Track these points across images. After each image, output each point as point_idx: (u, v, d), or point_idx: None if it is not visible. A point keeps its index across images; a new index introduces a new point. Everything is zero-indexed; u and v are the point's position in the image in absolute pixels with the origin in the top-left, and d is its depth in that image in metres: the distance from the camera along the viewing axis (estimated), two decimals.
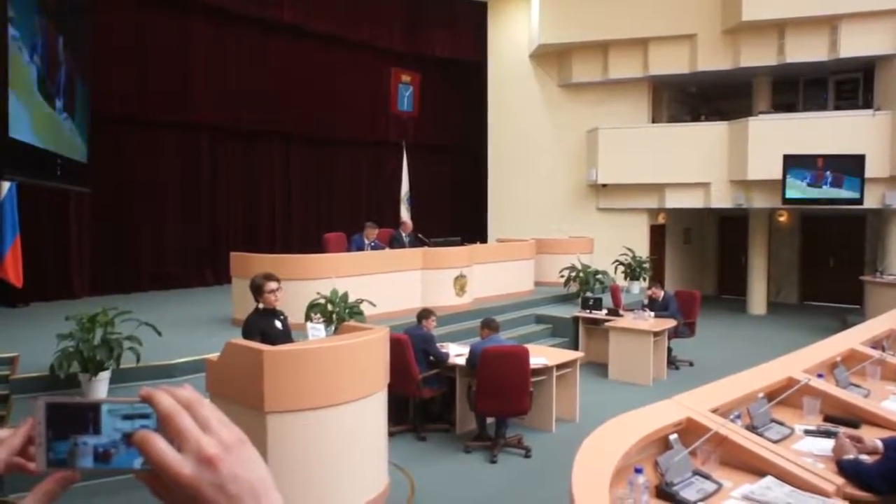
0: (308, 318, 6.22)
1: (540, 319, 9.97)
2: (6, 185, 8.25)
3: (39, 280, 9.46)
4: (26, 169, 4.10)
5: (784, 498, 2.50)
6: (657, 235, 14.60)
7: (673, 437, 2.73)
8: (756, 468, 2.73)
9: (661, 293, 9.34)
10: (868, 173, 11.62)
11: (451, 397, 6.65)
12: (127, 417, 0.60)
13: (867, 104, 12.73)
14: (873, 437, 2.91)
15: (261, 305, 5.12)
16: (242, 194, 12.43)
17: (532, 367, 6.04)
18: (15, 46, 3.51)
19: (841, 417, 3.38)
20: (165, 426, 0.58)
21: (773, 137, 12.20)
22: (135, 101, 10.64)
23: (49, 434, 0.59)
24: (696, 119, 14.79)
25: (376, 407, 4.83)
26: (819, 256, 15.08)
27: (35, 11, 4.01)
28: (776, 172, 11.96)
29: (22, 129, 3.72)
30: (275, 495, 0.59)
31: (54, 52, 4.50)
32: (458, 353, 6.67)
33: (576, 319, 9.58)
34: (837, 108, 13.43)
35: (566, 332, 9.61)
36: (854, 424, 3.29)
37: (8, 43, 3.34)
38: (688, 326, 9.43)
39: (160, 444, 0.57)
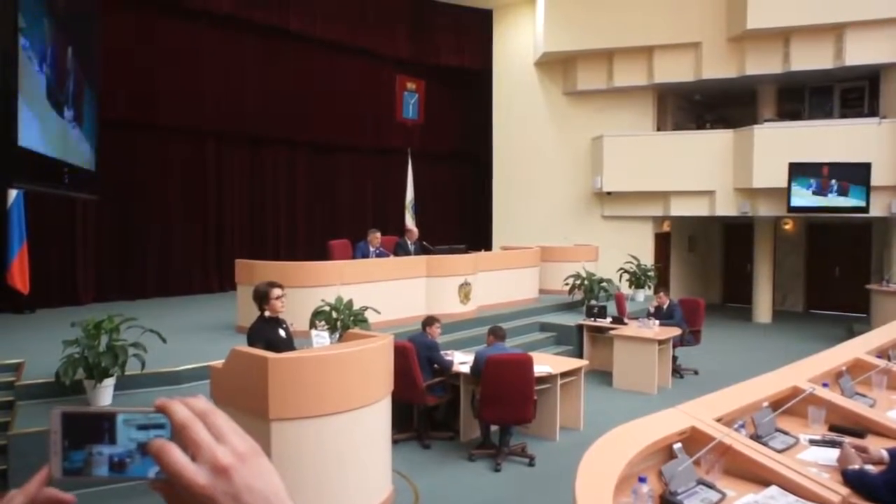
0: (312, 325, 6.24)
1: (544, 327, 9.96)
2: (13, 193, 8.32)
3: (45, 287, 9.51)
4: (35, 177, 4.14)
5: None
6: (662, 243, 14.58)
7: (677, 446, 2.73)
8: (760, 478, 2.73)
9: (667, 300, 9.33)
10: (874, 181, 11.60)
11: (456, 405, 6.65)
12: (142, 427, 0.61)
13: (873, 112, 12.72)
14: (879, 447, 2.90)
15: (267, 313, 5.13)
16: (247, 201, 12.49)
17: (536, 375, 6.04)
18: (25, 56, 3.55)
19: (846, 427, 3.37)
20: (180, 436, 0.59)
21: (779, 145, 12.19)
22: (141, 108, 10.72)
23: (65, 443, 0.61)
24: (700, 127, 14.79)
25: (380, 414, 4.84)
26: (825, 265, 15.04)
27: (45, 21, 4.06)
28: (781, 180, 11.95)
29: (31, 137, 3.76)
30: None
31: (63, 61, 4.54)
32: (462, 361, 6.67)
33: (580, 327, 9.57)
34: (843, 116, 13.42)
35: (570, 341, 9.60)
36: (859, 434, 3.28)
37: (19, 52, 3.38)
38: (693, 335, 9.41)
39: (175, 454, 0.58)
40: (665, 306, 9.24)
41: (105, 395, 5.52)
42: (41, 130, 3.97)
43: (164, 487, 0.60)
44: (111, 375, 5.44)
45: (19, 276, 8.47)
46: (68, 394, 5.55)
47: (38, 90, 3.90)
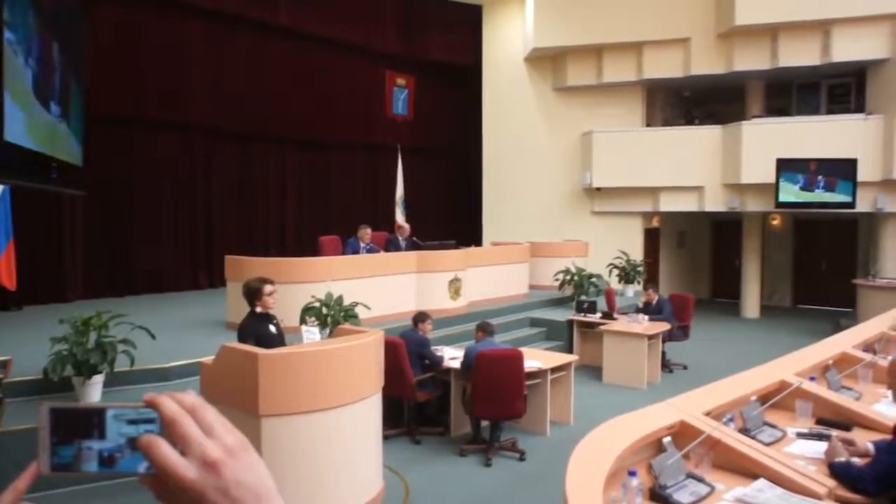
0: (303, 321, 6.23)
1: (534, 323, 9.98)
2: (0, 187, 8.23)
3: (33, 283, 9.41)
4: (21, 172, 4.10)
5: (776, 500, 2.52)
6: (651, 239, 14.65)
7: (666, 439, 2.75)
8: (749, 471, 2.75)
9: (656, 297, 9.37)
10: (860, 177, 11.70)
11: (446, 400, 6.66)
12: (132, 422, 0.61)
13: (859, 108, 12.82)
14: (865, 440, 2.93)
15: (258, 309, 5.12)
16: (237, 197, 12.42)
17: (526, 370, 6.06)
18: (10, 50, 3.51)
19: (833, 420, 3.40)
20: (169, 431, 0.59)
21: (767, 141, 12.27)
22: (129, 103, 10.63)
23: (54, 439, 0.60)
24: (689, 123, 14.85)
25: (371, 410, 4.84)
26: (812, 260, 15.16)
27: (30, 15, 4.01)
28: (769, 176, 12.03)
29: (17, 132, 3.72)
30: (278, 501, 0.60)
31: (50, 55, 4.50)
32: (452, 357, 6.68)
33: (570, 323, 9.60)
34: (830, 112, 13.51)
35: (561, 336, 9.63)
36: (846, 427, 3.32)
37: (4, 46, 3.35)
38: (682, 330, 9.47)
39: (164, 449, 0.58)
40: (654, 302, 9.29)
41: (94, 391, 5.48)
42: (27, 125, 3.93)
43: (153, 482, 0.60)
44: (100, 372, 5.40)
45: (6, 273, 8.37)
46: (56, 391, 5.51)
47: (24, 84, 3.86)
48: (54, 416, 0.60)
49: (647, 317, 8.87)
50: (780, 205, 12.25)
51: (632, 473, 2.40)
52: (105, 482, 4.47)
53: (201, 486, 0.57)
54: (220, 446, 0.59)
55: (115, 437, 0.60)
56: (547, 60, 14.79)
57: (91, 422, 0.61)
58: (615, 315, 9.34)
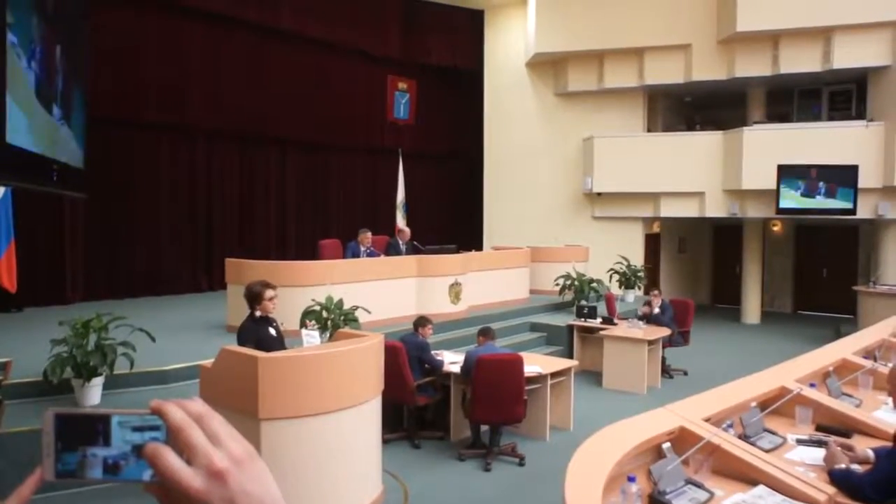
0: (303, 324, 6.22)
1: (534, 327, 9.98)
2: (0, 190, 8.24)
3: (33, 285, 9.42)
4: (22, 174, 4.11)
5: None
6: (652, 244, 14.65)
7: (666, 445, 2.75)
8: (748, 477, 2.75)
9: (660, 300, 9.34)
10: (861, 184, 11.70)
11: (446, 405, 6.65)
12: (137, 429, 0.60)
13: (860, 115, 12.83)
14: (864, 447, 2.93)
15: (258, 313, 5.11)
16: (237, 200, 12.43)
17: (526, 375, 6.05)
18: (13, 52, 3.52)
19: (833, 427, 3.40)
20: (175, 439, 0.59)
21: (768, 147, 12.28)
22: (130, 105, 10.64)
23: (58, 445, 0.60)
24: (690, 128, 14.87)
25: (370, 414, 4.84)
26: (812, 266, 15.15)
27: (33, 18, 4.03)
28: (770, 182, 12.04)
29: (19, 134, 3.73)
30: None
31: (52, 58, 4.51)
32: (452, 361, 6.68)
33: (570, 328, 9.60)
34: (831, 118, 13.53)
35: (561, 341, 9.62)
36: (846, 434, 3.31)
37: (7, 49, 3.36)
38: (682, 335, 9.46)
39: (170, 457, 0.58)
40: (658, 306, 9.27)
41: (94, 394, 5.48)
42: (29, 127, 3.94)
43: (159, 490, 0.59)
44: (100, 374, 5.40)
45: (7, 275, 8.39)
46: (56, 393, 5.51)
47: (26, 87, 3.88)
48: (59, 422, 0.60)
49: (643, 322, 8.86)
50: (780, 211, 12.25)
51: (631, 479, 2.40)
52: (103, 486, 4.46)
53: (207, 496, 0.57)
54: (226, 455, 0.59)
55: (120, 445, 0.60)
56: (548, 66, 14.81)
57: (96, 428, 0.60)
58: (615, 320, 9.34)
